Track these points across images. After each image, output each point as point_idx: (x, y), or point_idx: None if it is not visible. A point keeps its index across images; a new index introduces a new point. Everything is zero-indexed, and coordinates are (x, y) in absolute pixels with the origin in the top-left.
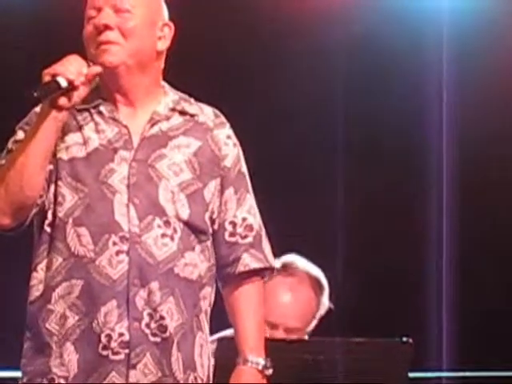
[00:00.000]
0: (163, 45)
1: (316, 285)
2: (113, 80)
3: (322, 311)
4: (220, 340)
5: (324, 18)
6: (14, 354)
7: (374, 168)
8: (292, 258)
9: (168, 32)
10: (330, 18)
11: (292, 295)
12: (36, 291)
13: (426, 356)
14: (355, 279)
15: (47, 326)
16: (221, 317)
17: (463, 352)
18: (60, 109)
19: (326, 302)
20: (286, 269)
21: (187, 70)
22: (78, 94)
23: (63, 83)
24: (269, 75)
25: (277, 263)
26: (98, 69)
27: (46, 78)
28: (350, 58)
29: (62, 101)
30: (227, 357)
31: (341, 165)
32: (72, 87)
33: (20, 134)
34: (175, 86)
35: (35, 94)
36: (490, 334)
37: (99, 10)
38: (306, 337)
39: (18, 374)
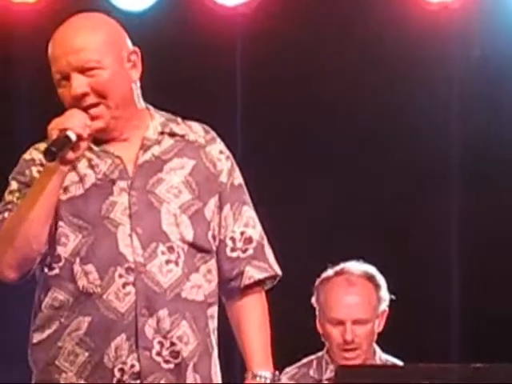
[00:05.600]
0: (137, 73)
1: (372, 280)
2: (103, 131)
3: (384, 305)
4: (339, 369)
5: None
6: None
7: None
8: (344, 264)
9: (136, 58)
10: (447, 40)
11: (352, 288)
12: (43, 330)
13: None
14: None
15: (57, 363)
16: None
17: None
18: (66, 163)
19: (385, 296)
20: (342, 271)
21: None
22: (84, 147)
23: (73, 137)
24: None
25: (329, 271)
26: (100, 124)
27: (54, 134)
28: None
29: (70, 155)
30: None
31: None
32: (80, 140)
33: (14, 185)
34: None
35: (49, 159)
36: None
37: (67, 77)
38: (377, 330)
39: None
